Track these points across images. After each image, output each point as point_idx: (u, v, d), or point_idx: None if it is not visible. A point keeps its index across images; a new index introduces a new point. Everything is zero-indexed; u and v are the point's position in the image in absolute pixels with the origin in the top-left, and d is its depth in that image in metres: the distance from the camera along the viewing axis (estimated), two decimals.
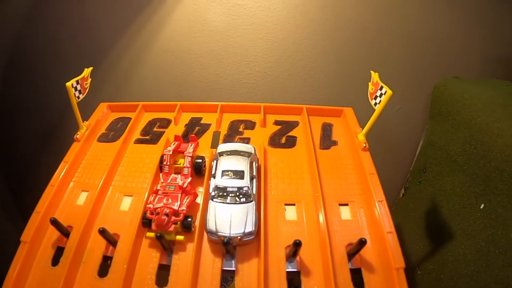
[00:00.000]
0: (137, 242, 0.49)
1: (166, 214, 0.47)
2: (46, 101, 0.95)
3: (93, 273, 0.48)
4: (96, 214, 0.53)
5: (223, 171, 0.51)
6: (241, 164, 0.52)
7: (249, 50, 0.82)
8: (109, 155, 0.61)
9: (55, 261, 0.50)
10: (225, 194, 0.49)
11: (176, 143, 0.57)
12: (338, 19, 0.79)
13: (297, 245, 0.45)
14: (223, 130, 0.64)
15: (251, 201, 0.49)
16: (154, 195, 0.51)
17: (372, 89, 0.57)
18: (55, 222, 0.49)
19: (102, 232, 0.48)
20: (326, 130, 0.64)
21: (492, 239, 0.64)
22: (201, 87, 0.88)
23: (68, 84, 0.56)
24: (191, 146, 0.56)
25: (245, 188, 0.49)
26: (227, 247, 0.46)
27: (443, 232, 0.78)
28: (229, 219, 0.47)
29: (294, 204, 0.54)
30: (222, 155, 0.54)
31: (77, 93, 0.59)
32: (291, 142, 0.62)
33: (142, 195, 0.55)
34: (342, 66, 0.85)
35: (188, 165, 0.54)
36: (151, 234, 0.49)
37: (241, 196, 0.49)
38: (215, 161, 0.55)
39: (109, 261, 0.50)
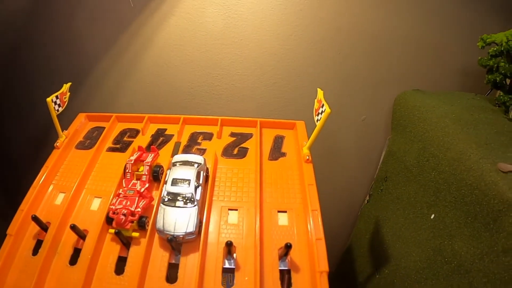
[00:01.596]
0: (102, 237, 0.63)
1: (124, 214, 0.61)
2: (33, 113, 1.12)
3: (65, 262, 0.62)
4: (70, 213, 0.68)
5: (173, 179, 0.64)
6: (189, 173, 0.65)
7: (217, 64, 0.94)
8: (84, 161, 0.75)
9: (35, 251, 0.65)
10: (173, 199, 0.63)
11: (139, 153, 0.71)
12: (301, 35, 0.90)
13: (228, 245, 0.58)
14: (184, 141, 0.77)
15: (194, 206, 0.62)
16: (116, 197, 0.65)
17: (317, 105, 0.68)
18: (35, 219, 0.64)
19: (73, 227, 0.62)
20: (277, 142, 0.76)
21: (439, 248, 0.73)
22: (172, 99, 1.01)
23: (49, 99, 0.71)
24: (150, 156, 0.70)
25: (189, 195, 0.63)
26: (171, 243, 0.59)
27: (399, 239, 0.88)
28: (174, 220, 0.61)
29: (237, 210, 0.66)
30: (175, 165, 0.67)
31: (56, 107, 0.73)
32: (243, 153, 0.75)
33: (109, 197, 0.69)
34: (304, 79, 0.96)
35: (146, 173, 0.68)
36: (112, 231, 0.63)
37: (186, 201, 0.62)
38: (169, 170, 0.68)
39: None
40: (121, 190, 0.66)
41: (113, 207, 0.63)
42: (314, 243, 0.60)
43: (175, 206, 0.62)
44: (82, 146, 0.80)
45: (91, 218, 0.67)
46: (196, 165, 0.67)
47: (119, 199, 0.64)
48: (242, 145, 0.76)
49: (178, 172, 0.65)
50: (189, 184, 0.64)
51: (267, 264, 0.59)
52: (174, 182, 0.64)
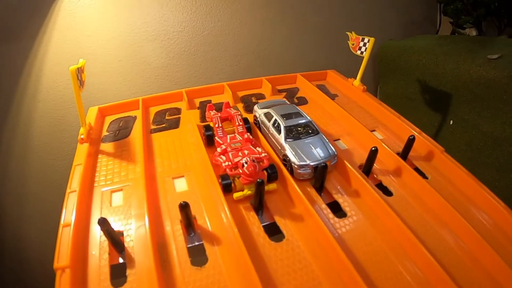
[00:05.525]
0: (232, 207, 0.42)
1: (254, 160, 0.43)
2: None
3: (186, 263, 0.37)
4: (153, 205, 0.42)
5: (282, 115, 0.50)
6: (291, 108, 0.53)
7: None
8: (129, 150, 0.50)
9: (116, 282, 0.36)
10: (295, 132, 0.49)
11: (213, 111, 0.53)
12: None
13: (374, 151, 0.48)
14: (240, 104, 0.63)
15: (319, 132, 0.50)
16: (223, 155, 0.45)
17: (353, 44, 0.69)
18: (103, 223, 0.36)
19: (185, 206, 0.38)
20: (323, 89, 0.71)
21: (470, 140, 0.77)
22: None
23: (72, 68, 0.45)
24: (232, 109, 0.53)
25: (309, 123, 0.50)
26: (324, 170, 0.44)
27: None
28: (313, 149, 0.46)
29: (339, 139, 0.57)
30: (270, 108, 0.53)
31: (79, 82, 0.48)
32: (303, 101, 0.66)
33: (198, 169, 0.47)
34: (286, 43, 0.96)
35: (240, 123, 0.50)
36: (240, 194, 0.42)
37: (308, 130, 0.49)
38: (261, 115, 0.53)
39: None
40: (223, 146, 0.46)
41: (229, 163, 0.43)
42: (418, 135, 0.56)
43: (303, 138, 0.48)
44: (113, 138, 0.53)
45: (184, 199, 0.43)
46: (287, 103, 0.55)
47: (231, 153, 0.45)
48: (297, 96, 0.68)
49: (281, 110, 0.52)
50: (300, 115, 0.51)
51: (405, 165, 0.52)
52: (287, 117, 0.50)
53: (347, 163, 0.48)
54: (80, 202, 0.40)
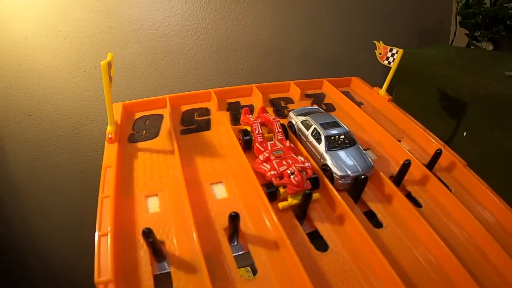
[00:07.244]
0: (282, 216, 0.39)
1: (300, 171, 0.41)
2: None
3: (236, 274, 0.35)
4: (197, 214, 0.39)
5: (321, 124, 0.48)
6: (328, 117, 0.51)
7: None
8: (160, 151, 0.47)
9: None
10: (337, 141, 0.47)
11: (250, 115, 0.51)
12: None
13: (406, 164, 0.47)
14: (269, 108, 0.60)
15: (356, 143, 0.48)
16: (266, 163, 0.43)
17: (380, 53, 0.68)
18: (149, 234, 0.33)
19: (235, 217, 0.36)
20: (348, 96, 0.69)
21: (484, 153, 0.76)
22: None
23: (104, 62, 0.41)
24: (269, 114, 0.51)
25: (348, 133, 0.48)
26: (365, 183, 0.43)
27: None
28: (353, 160, 0.45)
29: (368, 149, 0.56)
30: (307, 115, 0.51)
31: (109, 78, 0.44)
32: (331, 108, 0.64)
33: (237, 175, 0.44)
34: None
35: (280, 130, 0.48)
36: (286, 203, 0.40)
37: (346, 140, 0.48)
38: (298, 122, 0.51)
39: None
40: (266, 154, 0.44)
41: (275, 172, 0.41)
42: (441, 146, 0.57)
43: (343, 148, 0.47)
44: (139, 138, 0.49)
45: (225, 208, 0.41)
46: (321, 111, 0.54)
47: (274, 161, 0.43)
48: (324, 102, 0.66)
49: (318, 118, 0.50)
50: (338, 125, 0.50)
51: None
52: (326, 126, 0.48)
53: (382, 174, 0.47)
54: (117, 209, 0.37)
